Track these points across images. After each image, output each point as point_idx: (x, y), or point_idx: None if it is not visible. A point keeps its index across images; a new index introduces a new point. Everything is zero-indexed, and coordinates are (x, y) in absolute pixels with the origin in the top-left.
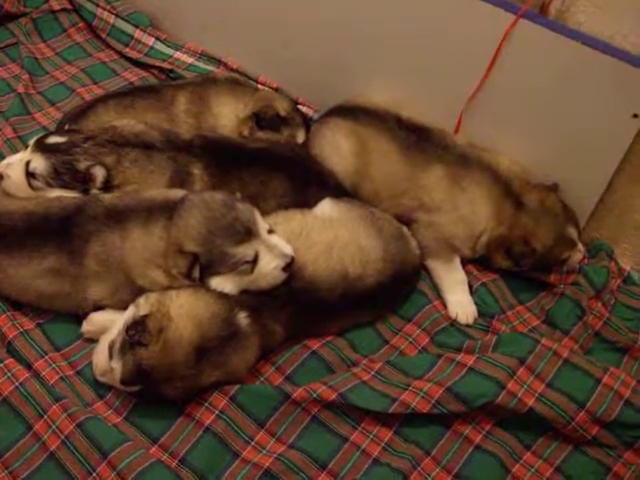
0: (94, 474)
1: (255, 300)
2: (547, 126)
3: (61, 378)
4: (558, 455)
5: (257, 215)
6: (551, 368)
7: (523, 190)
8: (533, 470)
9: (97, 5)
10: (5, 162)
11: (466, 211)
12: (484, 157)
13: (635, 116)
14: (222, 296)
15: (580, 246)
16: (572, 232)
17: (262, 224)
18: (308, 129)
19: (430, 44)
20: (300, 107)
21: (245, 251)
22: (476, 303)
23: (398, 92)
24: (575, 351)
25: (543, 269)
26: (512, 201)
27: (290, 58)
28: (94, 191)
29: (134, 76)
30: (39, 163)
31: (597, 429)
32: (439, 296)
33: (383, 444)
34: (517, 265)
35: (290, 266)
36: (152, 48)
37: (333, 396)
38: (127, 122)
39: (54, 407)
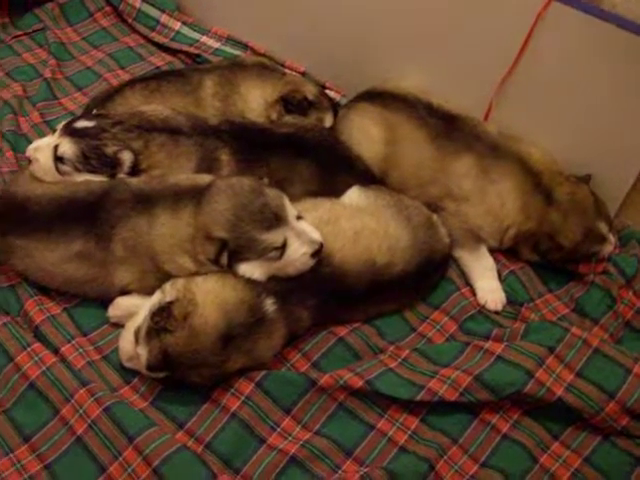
0: (120, 458)
1: (282, 286)
2: (580, 112)
3: (88, 363)
4: (587, 446)
5: (286, 201)
6: (581, 357)
7: (554, 183)
8: (561, 460)
9: None
10: (33, 146)
11: (494, 204)
12: (515, 148)
13: None
14: (249, 282)
15: (611, 238)
16: (602, 227)
17: (291, 210)
18: (336, 113)
19: (460, 28)
20: (327, 91)
21: (274, 237)
22: (505, 291)
23: (427, 77)
24: (605, 340)
25: (572, 262)
26: (542, 195)
27: (317, 42)
28: (121, 175)
29: (160, 61)
30: (67, 147)
31: (627, 420)
32: (467, 283)
33: (409, 432)
34: (545, 259)
35: (318, 253)
36: (178, 33)
37: (360, 383)
38: (154, 107)
39: (81, 392)
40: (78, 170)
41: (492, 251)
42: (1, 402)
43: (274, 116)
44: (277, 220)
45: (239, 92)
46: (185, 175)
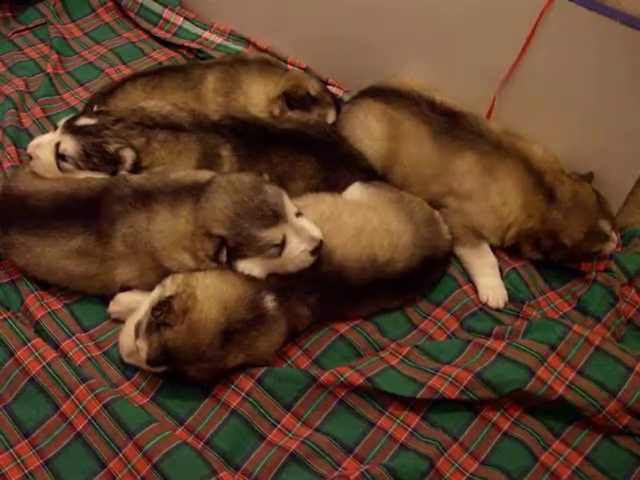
0: (120, 454)
1: (282, 283)
2: (583, 109)
3: (88, 358)
4: (588, 444)
5: (285, 198)
6: (582, 355)
7: (556, 182)
8: (562, 459)
9: None
10: (35, 143)
11: (496, 202)
12: (518, 146)
13: None
14: (249, 278)
15: (614, 236)
16: (605, 225)
17: (290, 207)
18: (338, 109)
19: (464, 24)
20: (330, 88)
21: (273, 234)
22: (506, 288)
23: (430, 73)
24: (607, 338)
25: (574, 261)
26: (544, 194)
27: (320, 38)
28: (122, 172)
29: (162, 56)
30: (69, 145)
31: (628, 418)
32: (469, 280)
33: (410, 429)
34: (547, 257)
35: (318, 249)
36: (181, 28)
37: (360, 380)
38: (155, 103)
39: (81, 387)
40: (79, 167)
41: (494, 248)
42: (1, 397)
43: (276, 112)
44: (276, 217)
45: (241, 88)
46: (185, 172)
